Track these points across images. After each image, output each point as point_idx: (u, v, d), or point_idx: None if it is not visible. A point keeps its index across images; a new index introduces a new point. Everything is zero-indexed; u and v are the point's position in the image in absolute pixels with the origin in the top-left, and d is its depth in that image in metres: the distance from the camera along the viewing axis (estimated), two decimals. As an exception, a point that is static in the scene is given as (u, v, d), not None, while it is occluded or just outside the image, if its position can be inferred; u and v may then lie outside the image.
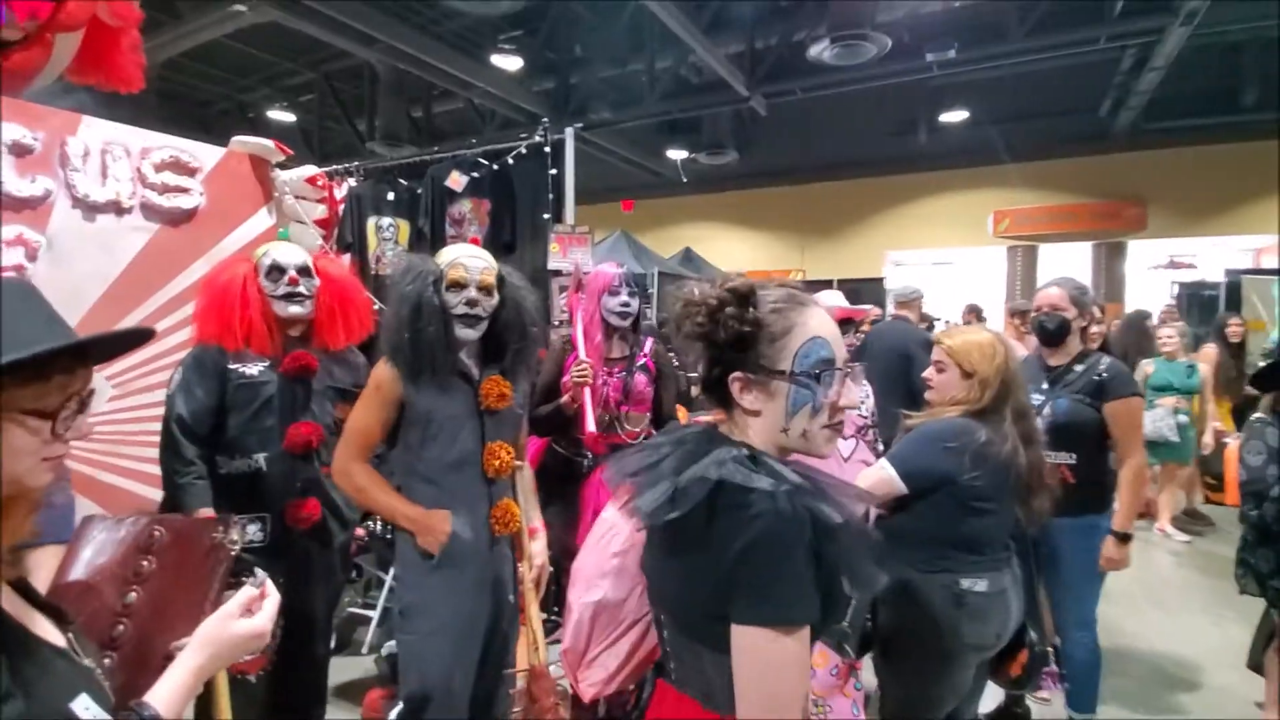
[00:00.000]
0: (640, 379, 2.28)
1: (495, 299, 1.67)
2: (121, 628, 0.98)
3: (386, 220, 3.15)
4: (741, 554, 0.81)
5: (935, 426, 1.63)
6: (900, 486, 1.62)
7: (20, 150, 2.12)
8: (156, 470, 1.89)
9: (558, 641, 2.52)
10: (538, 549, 1.79)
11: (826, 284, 8.18)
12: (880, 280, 9.51)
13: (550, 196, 2.89)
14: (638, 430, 2.30)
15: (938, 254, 11.41)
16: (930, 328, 5.29)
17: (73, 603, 0.94)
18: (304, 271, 1.92)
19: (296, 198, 2.77)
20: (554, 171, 2.94)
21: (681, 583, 0.92)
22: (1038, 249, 10.42)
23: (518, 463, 1.76)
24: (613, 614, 1.19)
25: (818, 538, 0.83)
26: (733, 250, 12.19)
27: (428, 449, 1.63)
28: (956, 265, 11.45)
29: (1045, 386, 2.24)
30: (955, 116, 9.28)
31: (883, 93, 8.45)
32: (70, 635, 0.80)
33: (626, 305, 2.26)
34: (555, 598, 2.82)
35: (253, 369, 1.86)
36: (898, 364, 3.29)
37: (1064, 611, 2.29)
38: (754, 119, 9.86)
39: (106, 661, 0.88)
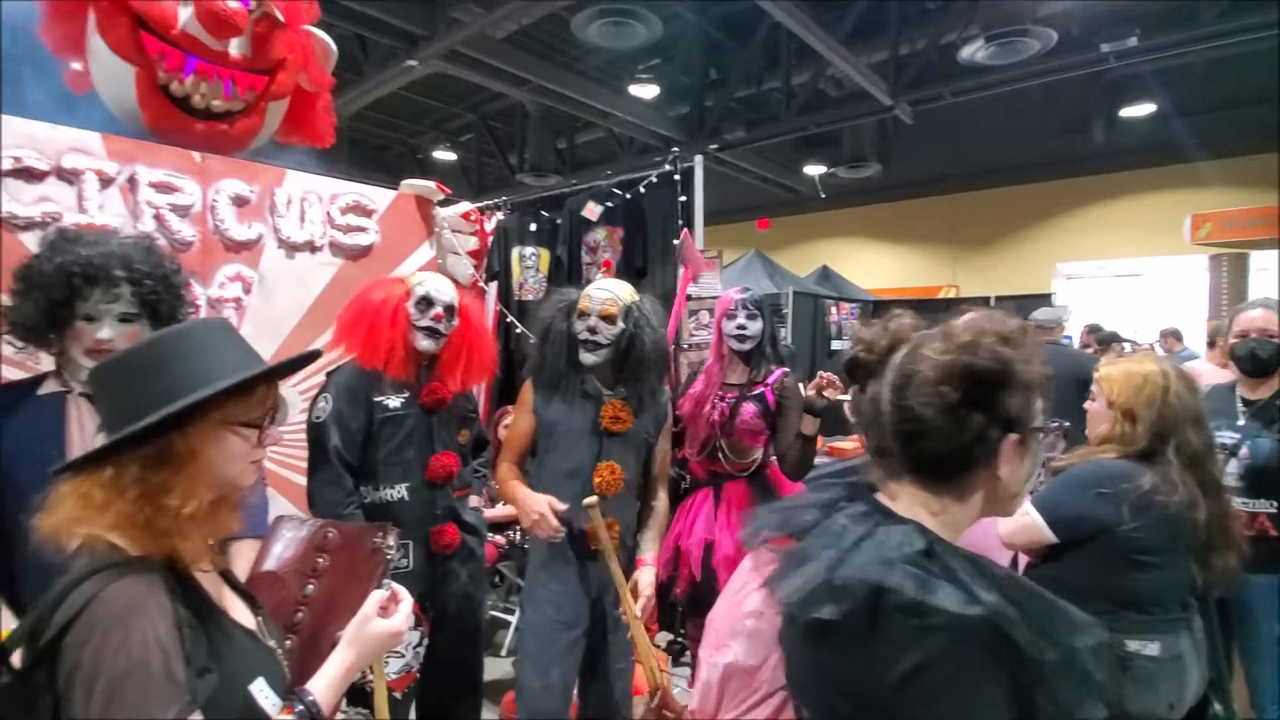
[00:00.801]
0: (749, 409, 2.18)
1: (618, 327, 1.79)
2: (301, 615, 1.14)
3: (529, 249, 3.39)
4: (910, 678, 0.64)
5: (1087, 470, 1.49)
6: (1047, 534, 1.49)
7: (240, 201, 2.53)
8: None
9: (686, 664, 2.51)
10: (645, 580, 1.82)
11: (983, 301, 7.54)
12: (1049, 296, 8.58)
13: (680, 222, 2.95)
14: (744, 462, 2.22)
15: (1121, 264, 10.06)
16: (1104, 350, 4.67)
17: (264, 590, 1.11)
18: (449, 311, 2.00)
19: (453, 231, 3.06)
20: (684, 198, 3.00)
21: (829, 687, 0.73)
22: (1248, 258, 8.86)
23: (653, 502, 1.83)
24: (745, 680, 1.01)
25: (1018, 669, 0.64)
26: (875, 266, 11.61)
27: (548, 457, 1.83)
28: (1146, 277, 10.01)
29: (1241, 423, 1.91)
30: (1139, 111, 8.20)
31: (1048, 90, 7.69)
32: (259, 618, 0.96)
33: (743, 329, 2.21)
34: (670, 617, 2.82)
35: (394, 402, 1.92)
36: (1074, 395, 2.93)
37: (1259, 684, 1.93)
38: (899, 128, 9.39)
39: (288, 643, 1.02)
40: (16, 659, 0.74)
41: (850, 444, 4.30)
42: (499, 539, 3.26)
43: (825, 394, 2.00)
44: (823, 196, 10.68)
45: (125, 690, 0.71)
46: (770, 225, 11.95)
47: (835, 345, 7.37)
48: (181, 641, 0.76)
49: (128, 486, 0.79)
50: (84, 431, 1.28)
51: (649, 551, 1.86)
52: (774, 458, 2.27)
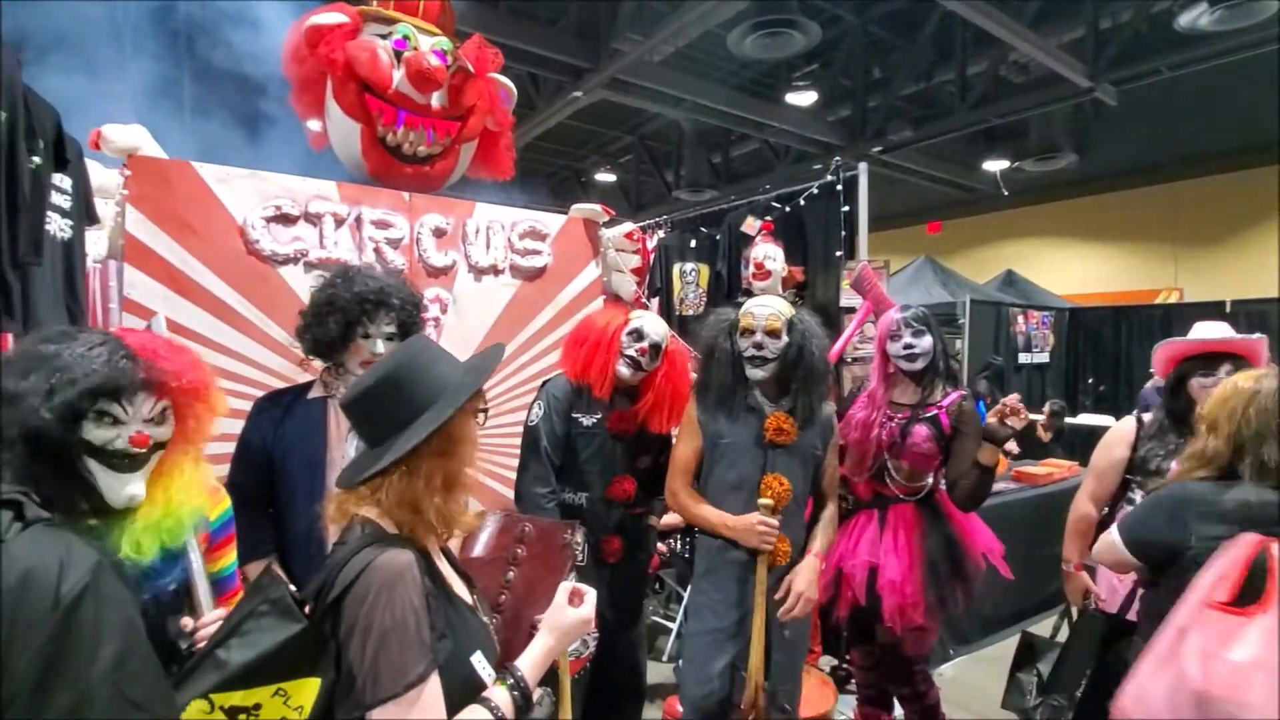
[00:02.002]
0: (921, 431, 2.05)
1: (783, 340, 1.80)
2: (504, 598, 1.29)
3: (689, 266, 3.48)
4: None
5: (1166, 492, 1.43)
6: (1124, 555, 1.43)
7: (439, 233, 2.87)
8: (512, 475, 2.35)
9: (851, 691, 2.39)
10: (803, 572, 1.81)
11: (1215, 307, 6.38)
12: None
13: (843, 233, 2.86)
14: (914, 486, 2.09)
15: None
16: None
17: (476, 572, 1.26)
18: (655, 349, 2.11)
19: (617, 250, 3.22)
20: (846, 208, 2.90)
21: None
22: None
23: (822, 512, 1.80)
24: None
25: None
26: (1070, 269, 10.27)
27: (714, 471, 1.86)
28: None
29: None
30: None
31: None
32: (475, 596, 1.10)
33: (911, 347, 2.08)
34: (834, 642, 2.69)
35: (588, 420, 2.11)
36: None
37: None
38: (1099, 112, 8.27)
39: (493, 622, 1.15)
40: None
41: (1041, 469, 3.84)
42: (661, 547, 3.36)
43: (1008, 421, 1.84)
44: (1005, 194, 9.69)
45: (389, 643, 0.85)
46: (942, 229, 11.07)
47: (1023, 359, 6.64)
48: (428, 609, 0.90)
49: (408, 475, 0.97)
50: (339, 429, 1.57)
51: (816, 544, 1.85)
52: (944, 484, 2.11)
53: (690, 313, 3.44)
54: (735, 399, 1.81)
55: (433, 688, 0.88)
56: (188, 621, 1.09)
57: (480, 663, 0.97)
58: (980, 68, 7.69)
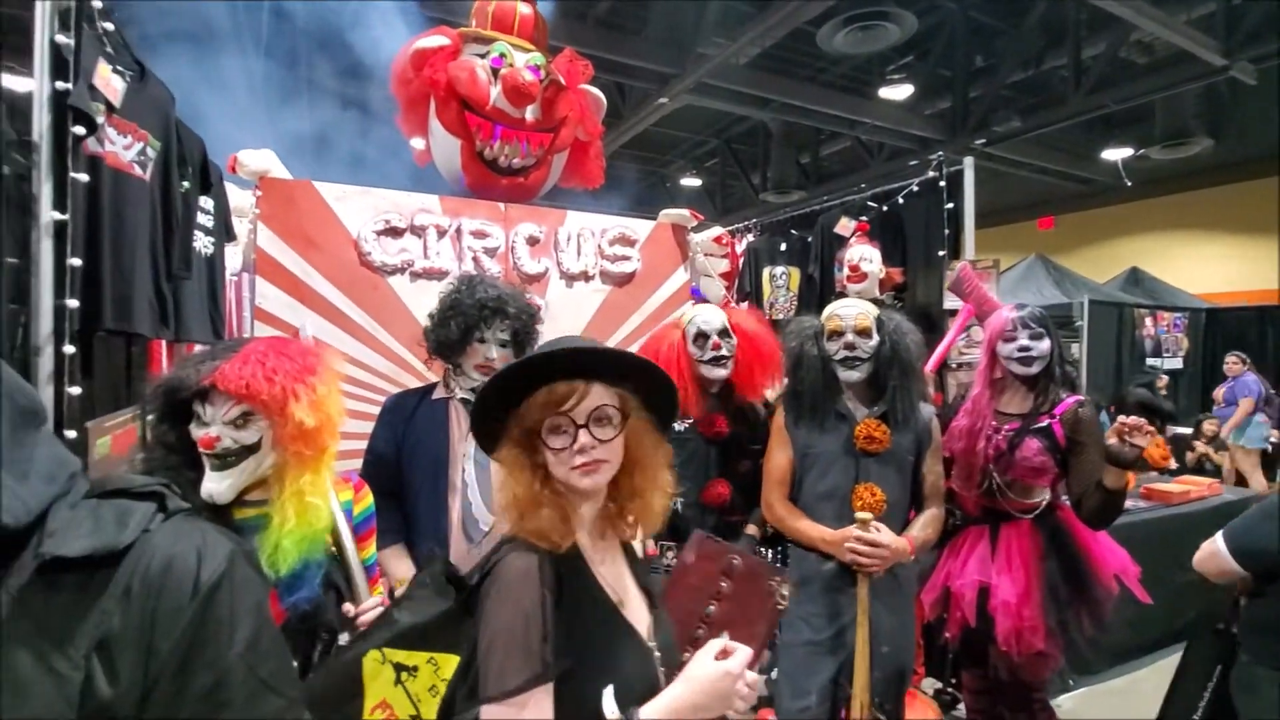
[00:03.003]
0: (1032, 444, 1.87)
1: (874, 339, 1.73)
2: (701, 632, 1.16)
3: (779, 269, 3.41)
4: None
5: (1274, 499, 1.40)
6: (1230, 564, 1.41)
7: (532, 241, 2.96)
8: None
9: (958, 717, 2.25)
10: (886, 533, 1.72)
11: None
12: None
13: (946, 232, 2.70)
14: (1029, 502, 1.91)
15: None
16: None
17: (679, 596, 1.17)
18: (724, 334, 2.11)
19: (705, 255, 3.20)
20: (950, 205, 2.74)
21: None
22: None
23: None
24: None
25: None
26: (1205, 266, 9.26)
27: (805, 481, 1.81)
28: None
29: None
30: None
31: None
32: (654, 617, 1.04)
33: (1027, 350, 1.90)
34: (939, 663, 2.55)
35: (679, 425, 2.06)
36: None
37: None
38: (1236, 93, 7.43)
39: (685, 655, 0.97)
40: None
41: (1175, 486, 3.47)
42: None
43: (1132, 440, 1.62)
44: (1128, 184, 8.87)
45: (495, 646, 0.85)
46: (1054, 224, 10.29)
47: (1151, 363, 6.02)
48: (544, 620, 0.86)
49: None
50: (461, 428, 1.66)
51: (913, 531, 1.75)
52: (1065, 498, 1.93)
53: (780, 317, 3.37)
54: (825, 406, 1.75)
55: (539, 699, 0.84)
56: (349, 608, 1.17)
57: (609, 699, 0.87)
58: (1097, 49, 7.09)
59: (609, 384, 0.97)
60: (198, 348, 2.47)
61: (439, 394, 1.76)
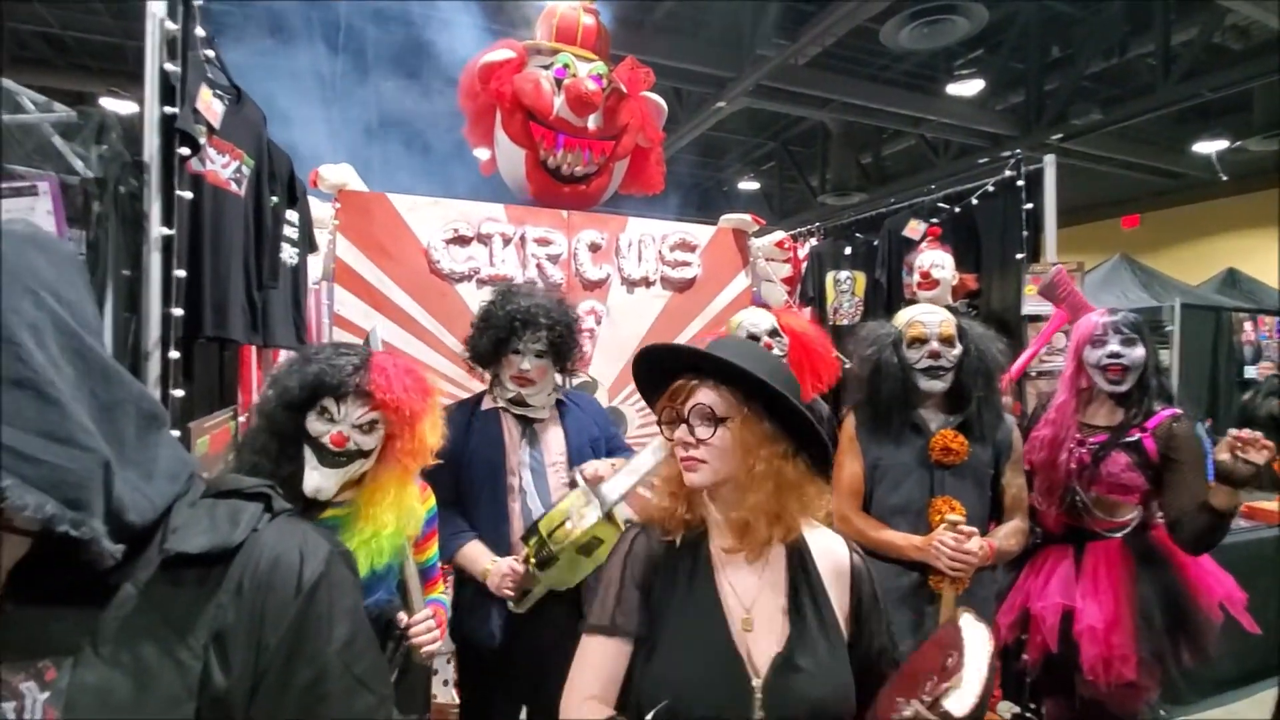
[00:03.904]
0: (1120, 459, 1.75)
1: (958, 348, 1.66)
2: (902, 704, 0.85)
3: (844, 274, 3.33)
4: None
5: None
6: None
7: (594, 247, 3.00)
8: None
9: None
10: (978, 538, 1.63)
11: None
12: None
13: (1024, 233, 2.56)
14: (1116, 520, 1.79)
15: None
16: None
17: (897, 679, 0.94)
18: (774, 334, 2.13)
19: (766, 260, 3.16)
20: (1029, 205, 2.60)
21: None
22: None
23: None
24: None
25: None
26: (1314, 263, 8.50)
27: (875, 494, 1.74)
28: None
29: None
30: None
31: None
32: (792, 649, 0.95)
33: (1118, 357, 1.77)
34: (1018, 687, 2.43)
35: None
36: None
37: None
38: (1354, 73, 6.79)
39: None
40: None
41: (1278, 504, 3.20)
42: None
43: (1246, 456, 1.47)
44: (1223, 179, 8.26)
45: (598, 584, 1.03)
46: (1140, 222, 9.67)
47: (1249, 372, 5.58)
48: (620, 587, 0.99)
49: None
50: (513, 436, 1.69)
51: (996, 537, 1.67)
52: (1160, 517, 1.79)
53: (845, 322, 3.29)
54: (901, 417, 1.68)
55: (598, 646, 0.97)
56: (402, 617, 1.21)
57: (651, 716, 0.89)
58: (1189, 35, 6.63)
59: (731, 387, 0.98)
60: (283, 353, 2.61)
61: (488, 404, 1.79)
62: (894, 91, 7.72)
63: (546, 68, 2.88)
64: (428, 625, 1.22)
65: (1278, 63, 6.29)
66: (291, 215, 2.09)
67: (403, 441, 1.19)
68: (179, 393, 1.55)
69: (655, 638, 0.95)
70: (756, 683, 0.92)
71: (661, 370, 1.03)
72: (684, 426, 0.98)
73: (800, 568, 1.00)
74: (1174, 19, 6.61)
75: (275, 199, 1.89)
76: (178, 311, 1.55)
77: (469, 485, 1.68)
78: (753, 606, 0.96)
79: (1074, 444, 1.83)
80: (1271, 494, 3.58)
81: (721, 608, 0.96)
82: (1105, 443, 1.79)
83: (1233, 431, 1.52)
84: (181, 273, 1.57)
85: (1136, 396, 1.79)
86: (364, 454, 1.17)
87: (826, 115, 8.18)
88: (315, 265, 2.55)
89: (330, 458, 1.14)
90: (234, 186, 1.70)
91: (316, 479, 1.14)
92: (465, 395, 2.15)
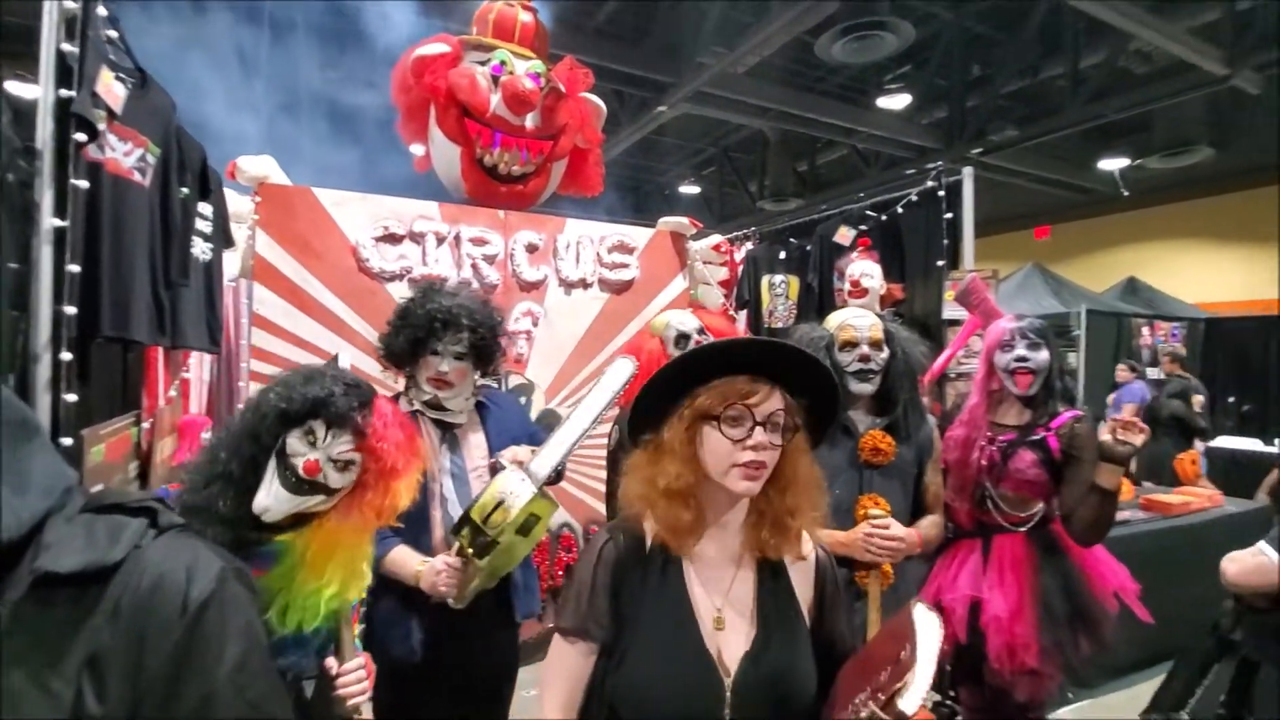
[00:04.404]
0: (1026, 457, 1.83)
1: (886, 352, 1.70)
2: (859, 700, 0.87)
3: (779, 278, 3.40)
4: None
5: None
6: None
7: (531, 248, 2.97)
8: (601, 486, 2.39)
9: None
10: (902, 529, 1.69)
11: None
12: None
13: (945, 241, 2.69)
14: (1020, 515, 1.87)
15: None
16: None
17: (851, 669, 0.97)
18: (702, 333, 2.17)
19: (704, 263, 3.20)
20: (950, 215, 2.73)
21: None
22: None
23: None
24: None
25: None
26: (1205, 275, 9.27)
27: None
28: None
29: None
30: None
31: None
32: (762, 643, 0.96)
33: (1024, 361, 1.86)
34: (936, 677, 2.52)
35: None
36: None
37: None
38: (1237, 101, 7.46)
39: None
40: None
41: (1175, 497, 3.46)
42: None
43: (1124, 437, 1.62)
44: (1125, 194, 8.91)
45: (565, 591, 1.03)
46: (1051, 233, 10.32)
47: (1151, 374, 6.03)
48: (592, 592, 0.97)
49: None
50: (431, 441, 1.61)
51: (920, 526, 1.72)
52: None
53: (780, 325, 3.37)
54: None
55: (567, 648, 0.98)
56: (331, 663, 1.12)
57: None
58: (1096, 59, 7.13)
59: (790, 392, 0.97)
60: (194, 355, 2.46)
61: (403, 407, 1.67)
62: (828, 102, 7.97)
63: (483, 64, 2.83)
64: (358, 675, 1.13)
65: (1176, 87, 6.84)
66: (204, 208, 1.96)
67: (374, 493, 1.11)
68: (71, 397, 1.43)
69: (626, 641, 0.94)
70: (728, 682, 0.92)
71: (691, 368, 0.98)
72: (760, 430, 0.93)
73: (768, 564, 1.01)
74: (1083, 43, 7.09)
75: (185, 190, 1.78)
76: (71, 310, 1.44)
77: None
78: (724, 605, 0.97)
79: (985, 442, 1.90)
80: (1167, 489, 3.88)
81: (692, 608, 0.95)
82: (1013, 441, 1.87)
83: (1114, 416, 1.67)
84: (76, 268, 1.45)
85: (1042, 398, 1.89)
86: (329, 491, 1.08)
87: (765, 123, 8.37)
88: (232, 261, 2.42)
89: (295, 483, 1.05)
90: (137, 176, 1.58)
91: (268, 499, 1.05)
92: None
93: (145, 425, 1.78)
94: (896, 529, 1.61)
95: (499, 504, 1.36)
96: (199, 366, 2.58)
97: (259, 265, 2.49)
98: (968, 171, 2.80)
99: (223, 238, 2.12)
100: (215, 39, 4.77)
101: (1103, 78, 7.14)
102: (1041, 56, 7.43)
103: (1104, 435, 1.67)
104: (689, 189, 12.08)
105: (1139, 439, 1.62)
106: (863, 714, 0.84)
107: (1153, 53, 6.71)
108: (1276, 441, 5.51)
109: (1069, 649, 1.79)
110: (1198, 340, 6.72)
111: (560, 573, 2.82)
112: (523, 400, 2.86)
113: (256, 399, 1.09)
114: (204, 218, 1.99)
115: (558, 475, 1.53)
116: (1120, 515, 3.10)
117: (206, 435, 2.10)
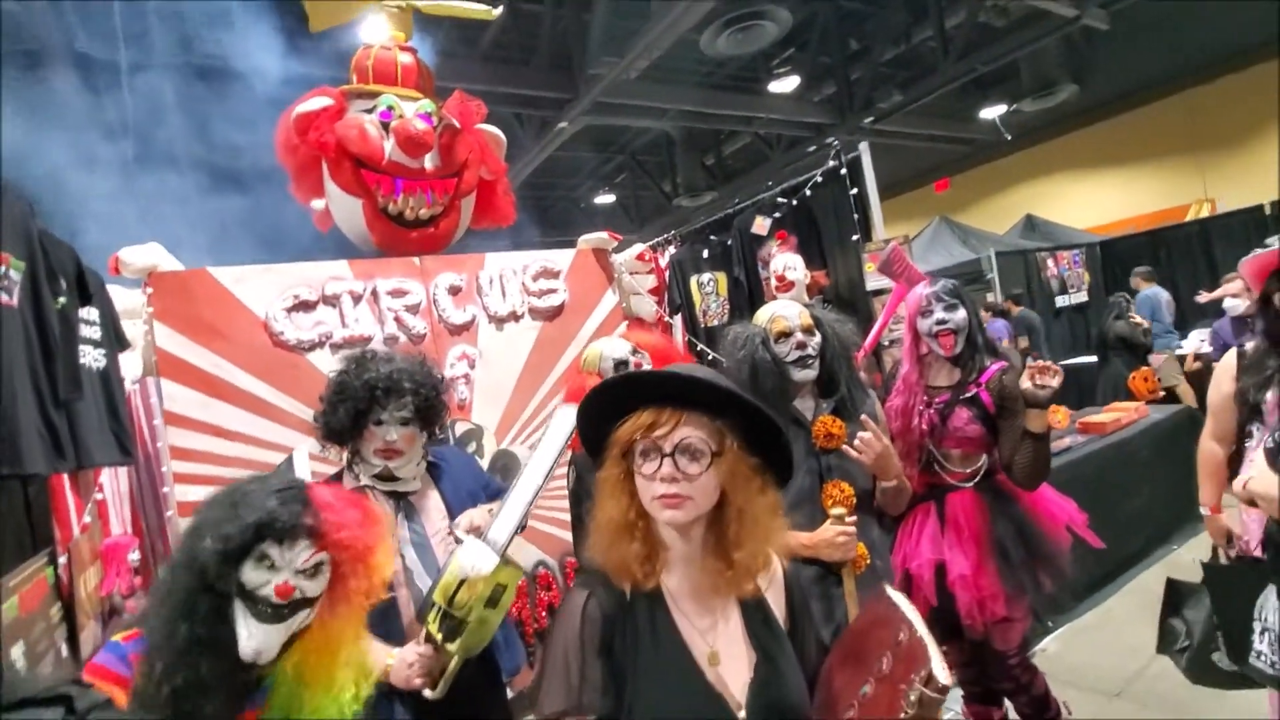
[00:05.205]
0: (962, 414, 1.91)
1: (818, 336, 1.72)
2: (851, 714, 0.90)
3: (706, 276, 3.43)
4: None
5: None
6: None
7: (454, 290, 2.88)
8: (558, 515, 2.34)
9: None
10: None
11: (1253, 213, 6.10)
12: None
13: (856, 216, 2.78)
14: (968, 471, 1.94)
15: None
16: None
17: (844, 661, 0.99)
18: (635, 353, 2.12)
19: (631, 274, 3.19)
20: (854, 191, 2.82)
21: None
22: None
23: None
24: None
25: None
26: (1093, 200, 9.96)
27: None
28: None
29: None
30: None
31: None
32: (763, 676, 0.94)
33: (944, 323, 1.93)
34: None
35: None
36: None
37: None
38: (1091, 40, 8.06)
39: None
40: None
41: (1107, 415, 3.67)
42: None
43: (1042, 381, 1.70)
44: (1009, 138, 9.47)
45: (544, 668, 0.93)
46: (950, 184, 10.86)
47: (1061, 302, 6.41)
48: (582, 658, 0.89)
49: None
50: (386, 515, 1.53)
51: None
52: None
53: (715, 323, 3.39)
54: (780, 411, 1.71)
55: None
56: None
57: None
58: (958, 19, 7.56)
59: (710, 417, 0.93)
60: (105, 473, 2.27)
61: (348, 483, 1.61)
62: (722, 95, 8.15)
63: (370, 111, 2.74)
64: None
65: (1034, 34, 7.32)
66: (89, 313, 1.81)
67: (356, 580, 1.04)
68: (-34, 553, 1.29)
69: (630, 696, 0.89)
70: (741, 715, 0.90)
71: (617, 400, 0.95)
72: (667, 461, 0.90)
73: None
74: (945, 5, 7.51)
75: (62, 300, 1.63)
76: (-55, 455, 1.29)
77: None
78: (715, 638, 0.94)
79: (922, 406, 1.97)
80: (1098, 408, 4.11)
81: (688, 649, 0.92)
82: (948, 401, 1.94)
83: (1030, 361, 1.74)
84: (-55, 407, 1.30)
85: (968, 354, 1.96)
86: (309, 602, 1.00)
87: (666, 124, 8.48)
88: (132, 361, 2.25)
89: (273, 612, 0.96)
90: (4, 297, 1.44)
91: (257, 639, 0.94)
92: (333, 470, 1.96)
93: (61, 561, 1.62)
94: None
95: (462, 582, 1.30)
96: (114, 481, 2.38)
97: (162, 360, 2.32)
98: (863, 146, 2.91)
99: (114, 340, 1.97)
100: (73, 130, 4.45)
101: (967, 35, 7.58)
102: (911, 24, 7.83)
103: (1025, 383, 1.74)
104: (604, 198, 12.11)
105: (1055, 380, 1.70)
106: (911, 696, 0.83)
107: (1009, 6, 7.15)
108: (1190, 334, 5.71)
109: (1032, 590, 1.85)
110: (1096, 263, 7.18)
111: (544, 614, 2.74)
112: (472, 446, 2.77)
113: (186, 552, 0.97)
114: (89, 323, 1.83)
115: (520, 528, 1.47)
116: (1061, 443, 3.27)
117: (134, 556, 1.93)
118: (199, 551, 0.94)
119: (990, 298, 6.00)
